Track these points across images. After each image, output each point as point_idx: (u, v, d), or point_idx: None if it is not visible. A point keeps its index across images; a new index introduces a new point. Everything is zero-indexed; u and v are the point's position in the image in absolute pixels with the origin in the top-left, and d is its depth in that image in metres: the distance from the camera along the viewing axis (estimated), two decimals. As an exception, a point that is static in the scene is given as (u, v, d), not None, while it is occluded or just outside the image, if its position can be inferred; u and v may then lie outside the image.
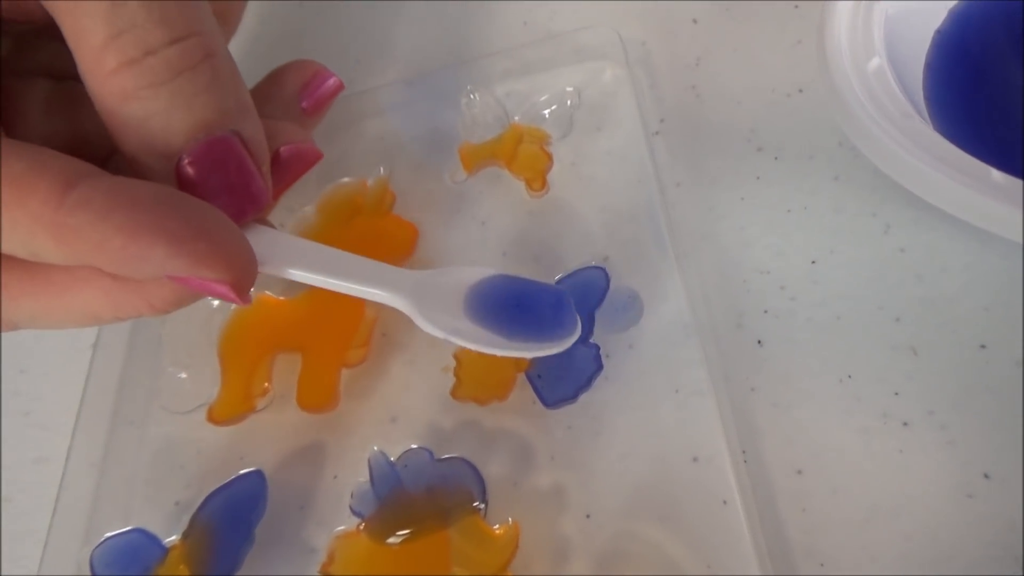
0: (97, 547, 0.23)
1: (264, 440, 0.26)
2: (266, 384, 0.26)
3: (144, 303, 0.18)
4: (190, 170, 0.18)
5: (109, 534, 0.24)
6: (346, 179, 0.29)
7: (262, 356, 0.26)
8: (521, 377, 0.24)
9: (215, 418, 0.25)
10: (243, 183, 0.18)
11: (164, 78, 0.17)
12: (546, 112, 0.29)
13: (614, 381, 0.24)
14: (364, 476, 0.24)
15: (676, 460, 0.22)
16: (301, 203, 0.31)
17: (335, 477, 0.25)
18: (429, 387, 0.26)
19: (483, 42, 0.34)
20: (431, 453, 0.23)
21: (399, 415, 0.26)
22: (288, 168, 0.21)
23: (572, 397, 0.22)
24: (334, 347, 0.25)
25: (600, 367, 0.22)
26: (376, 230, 0.28)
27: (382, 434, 0.26)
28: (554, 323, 0.21)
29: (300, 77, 0.23)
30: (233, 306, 0.28)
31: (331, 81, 0.24)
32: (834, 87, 0.23)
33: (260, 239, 0.19)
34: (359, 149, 0.32)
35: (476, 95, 0.30)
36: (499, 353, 0.20)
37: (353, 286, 0.20)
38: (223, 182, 0.18)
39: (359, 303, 0.26)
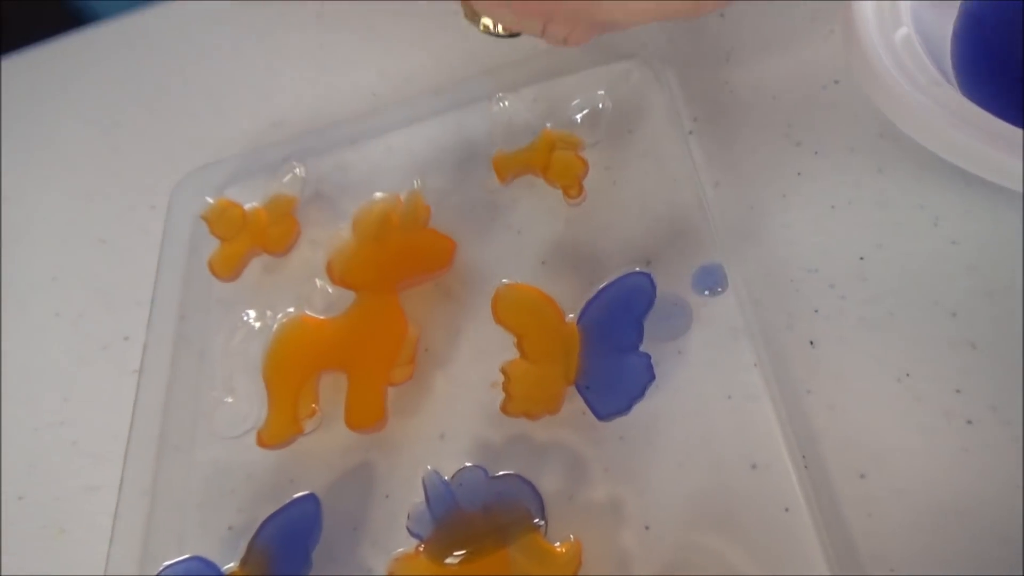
0: (157, 576, 0.23)
1: (313, 461, 0.26)
2: (313, 405, 0.26)
3: None
4: None
5: (168, 563, 0.24)
6: (379, 194, 0.29)
7: (307, 377, 0.26)
8: (570, 389, 0.23)
9: (265, 442, 0.25)
10: None
11: None
12: (578, 117, 0.29)
13: (664, 388, 0.24)
14: (417, 495, 0.24)
15: (734, 467, 0.22)
16: (335, 221, 0.31)
17: (387, 496, 0.25)
18: (475, 402, 0.26)
19: (505, 48, 0.34)
20: (485, 471, 0.22)
21: (447, 431, 0.26)
22: None
23: (626, 409, 0.22)
24: (379, 365, 0.25)
25: (652, 377, 0.22)
26: (413, 245, 0.28)
27: (431, 451, 0.25)
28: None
29: None
30: (273, 327, 0.28)
31: None
32: (862, 58, 0.23)
33: None
34: (389, 163, 0.32)
35: (505, 102, 0.30)
36: None
37: None
38: None
39: (401, 319, 0.26)
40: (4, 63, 0.45)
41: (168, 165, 0.36)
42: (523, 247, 0.28)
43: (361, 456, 0.26)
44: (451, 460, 0.25)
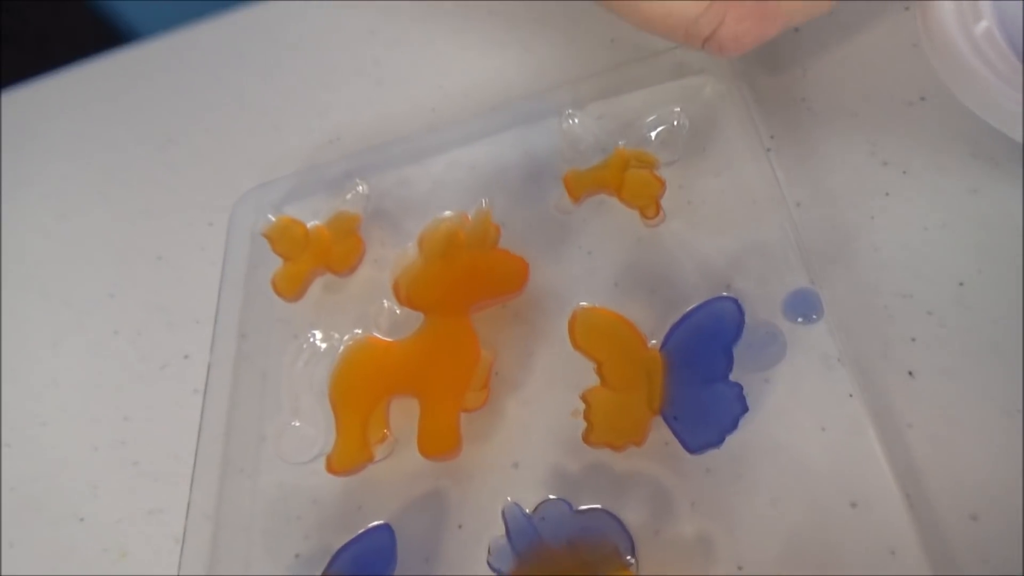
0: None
1: (381, 488, 0.26)
2: (385, 431, 0.25)
3: None
4: None
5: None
6: (447, 212, 0.28)
7: (376, 401, 0.25)
8: (655, 418, 0.22)
9: (335, 469, 0.25)
10: None
11: None
12: (652, 134, 0.28)
13: (751, 419, 0.23)
14: (492, 526, 0.23)
15: (832, 505, 0.21)
16: (397, 239, 0.31)
17: (460, 527, 0.24)
18: (549, 429, 0.25)
19: (569, 63, 0.33)
20: (569, 504, 0.22)
21: (521, 460, 0.25)
22: None
23: (717, 442, 0.21)
24: (452, 390, 0.25)
25: (745, 408, 0.21)
26: (483, 265, 0.27)
27: (505, 480, 0.25)
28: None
29: None
30: (339, 350, 0.27)
31: None
32: (943, 51, 0.22)
33: None
34: (451, 180, 0.32)
35: (575, 119, 0.29)
36: None
37: None
38: None
39: (474, 343, 0.25)
40: (54, 81, 0.45)
41: (224, 182, 0.36)
42: (595, 268, 0.28)
43: (431, 483, 0.25)
44: (526, 490, 0.24)
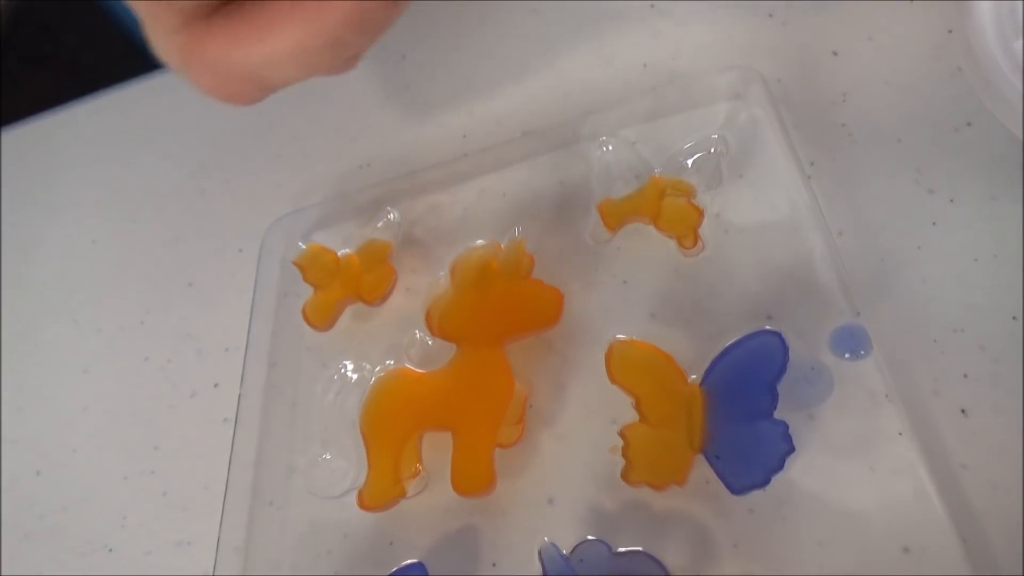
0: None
1: (413, 523, 0.25)
2: (417, 465, 0.25)
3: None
4: None
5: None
6: (480, 241, 0.28)
7: (409, 435, 0.25)
8: (697, 457, 0.22)
9: (367, 505, 0.24)
10: None
11: None
12: (689, 161, 0.27)
13: (796, 457, 0.22)
14: (526, 565, 0.22)
15: (884, 551, 0.20)
16: (428, 268, 0.30)
17: (494, 565, 0.24)
18: (585, 465, 0.24)
19: (602, 89, 0.33)
20: (608, 546, 0.21)
21: (556, 496, 0.24)
22: None
23: (763, 482, 0.20)
24: (486, 425, 0.24)
25: (792, 447, 0.20)
26: (517, 296, 0.26)
27: (540, 517, 0.24)
28: None
29: None
30: (371, 381, 0.27)
31: None
32: (982, 73, 0.21)
33: None
34: (483, 206, 0.31)
35: (609, 146, 0.29)
36: None
37: None
38: None
39: (508, 374, 0.25)
40: (86, 106, 0.45)
41: (254, 208, 0.36)
42: (630, 299, 0.27)
43: (464, 519, 0.25)
44: (561, 528, 0.24)
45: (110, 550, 0.29)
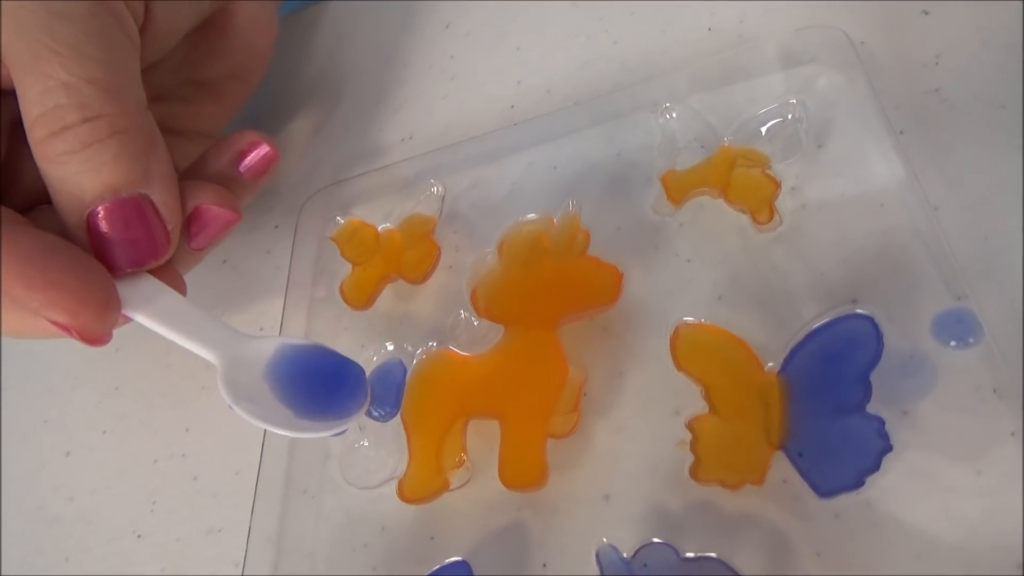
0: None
1: (456, 517, 0.23)
2: (462, 455, 0.23)
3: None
4: (98, 223, 0.21)
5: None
6: (531, 215, 0.26)
7: (453, 422, 0.23)
8: (777, 454, 0.19)
9: (408, 497, 0.22)
10: (144, 236, 0.22)
11: (76, 148, 0.21)
12: (762, 129, 0.25)
13: (890, 458, 0.19)
14: (581, 567, 0.20)
15: (995, 565, 0.18)
16: (473, 244, 0.28)
17: (544, 566, 0.22)
18: (645, 459, 0.22)
19: (661, 55, 0.30)
20: (676, 550, 0.19)
21: (612, 492, 0.22)
22: (208, 223, 0.24)
23: (854, 485, 0.18)
24: (537, 413, 0.22)
25: (889, 446, 0.18)
26: (571, 274, 0.24)
27: (594, 515, 0.22)
28: (347, 401, 0.22)
29: (237, 146, 0.26)
30: (413, 364, 0.25)
31: (266, 151, 0.26)
32: None
33: (134, 286, 0.22)
34: (532, 179, 0.29)
35: (672, 113, 0.26)
36: (285, 433, 0.21)
37: (179, 338, 0.23)
38: (125, 235, 0.22)
39: (561, 358, 0.23)
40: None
41: (291, 182, 0.35)
42: (695, 279, 0.25)
43: (511, 515, 0.23)
44: (619, 528, 0.21)
45: (139, 536, 0.28)
